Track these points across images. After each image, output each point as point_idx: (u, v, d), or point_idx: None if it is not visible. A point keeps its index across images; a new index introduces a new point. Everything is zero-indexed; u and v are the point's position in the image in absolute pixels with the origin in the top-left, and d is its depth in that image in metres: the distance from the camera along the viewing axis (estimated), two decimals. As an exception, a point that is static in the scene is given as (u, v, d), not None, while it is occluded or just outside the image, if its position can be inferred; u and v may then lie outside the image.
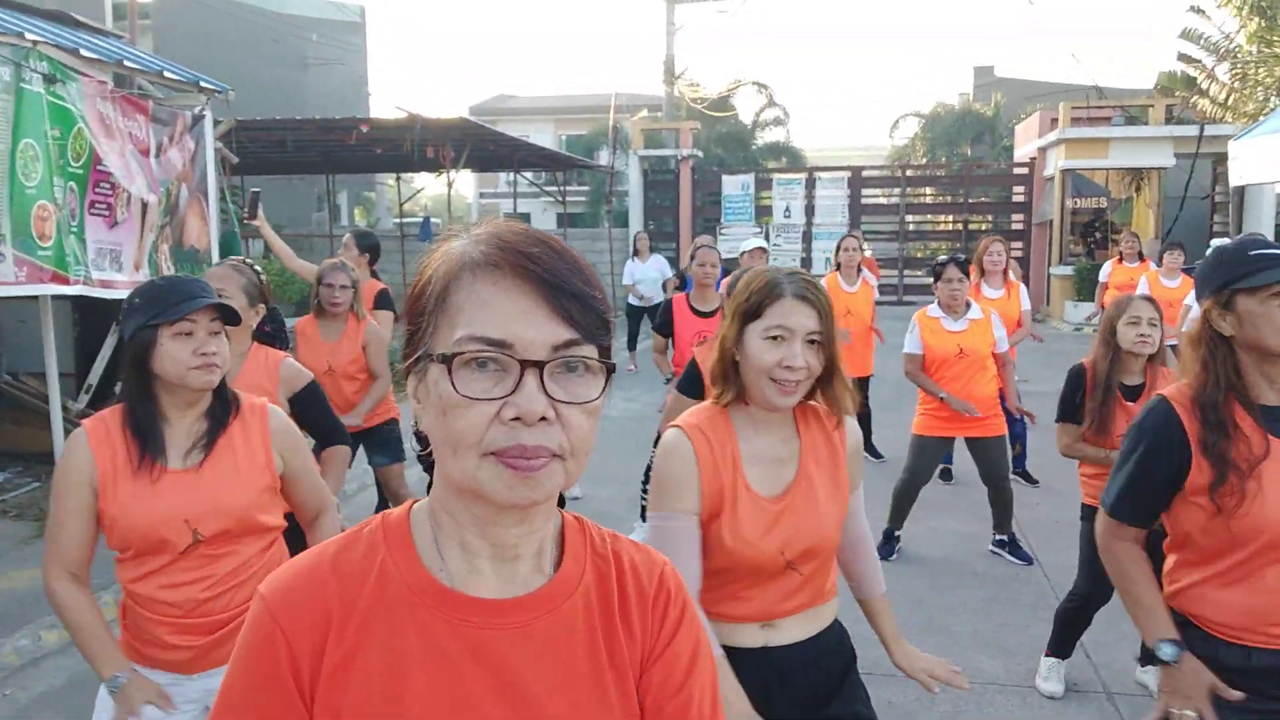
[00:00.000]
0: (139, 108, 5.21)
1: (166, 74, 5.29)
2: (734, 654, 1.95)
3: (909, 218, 20.00)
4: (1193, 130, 16.19)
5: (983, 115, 30.51)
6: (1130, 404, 3.67)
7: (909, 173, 20.66)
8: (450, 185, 13.63)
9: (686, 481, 1.94)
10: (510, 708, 0.92)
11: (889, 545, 5.45)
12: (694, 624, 1.04)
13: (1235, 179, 13.14)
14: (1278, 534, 1.97)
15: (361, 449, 4.95)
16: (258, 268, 3.32)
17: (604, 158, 21.64)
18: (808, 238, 19.56)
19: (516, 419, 0.86)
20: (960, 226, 19.80)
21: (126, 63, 5.01)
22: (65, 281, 4.66)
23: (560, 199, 18.45)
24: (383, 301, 5.72)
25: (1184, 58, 18.99)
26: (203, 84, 5.57)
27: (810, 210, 19.76)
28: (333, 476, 3.22)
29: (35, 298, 5.09)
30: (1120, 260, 9.82)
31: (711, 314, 5.36)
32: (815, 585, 2.03)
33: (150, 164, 5.27)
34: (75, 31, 5.32)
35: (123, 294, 5.23)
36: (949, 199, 20.14)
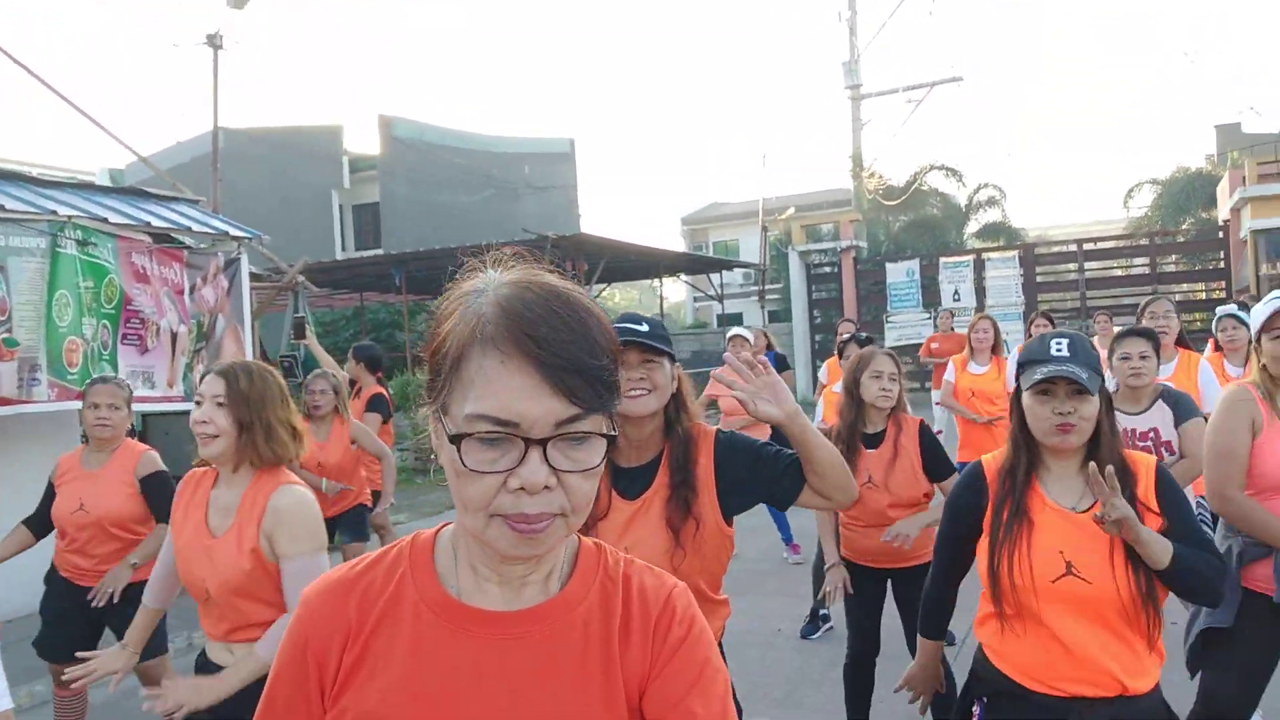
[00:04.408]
0: (174, 257, 6.52)
1: (194, 228, 6.57)
2: None
3: (1091, 293, 18.83)
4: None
5: (1215, 177, 28.01)
6: (869, 451, 3.77)
7: (1086, 245, 19.51)
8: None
9: None
10: (499, 709, 0.99)
11: (814, 624, 5.48)
12: (700, 642, 1.05)
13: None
14: None
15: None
16: (131, 386, 4.25)
17: (791, 255, 22.00)
18: (982, 320, 18.87)
19: (521, 488, 0.91)
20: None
21: (153, 223, 6.31)
22: (90, 399, 5.88)
23: (719, 299, 19.11)
24: (374, 405, 6.58)
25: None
26: (231, 232, 6.82)
27: (981, 292, 19.15)
28: (146, 542, 3.95)
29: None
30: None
31: None
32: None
33: (184, 301, 6.53)
34: (137, 201, 6.76)
35: (154, 407, 6.47)
36: (1144, 270, 18.83)
